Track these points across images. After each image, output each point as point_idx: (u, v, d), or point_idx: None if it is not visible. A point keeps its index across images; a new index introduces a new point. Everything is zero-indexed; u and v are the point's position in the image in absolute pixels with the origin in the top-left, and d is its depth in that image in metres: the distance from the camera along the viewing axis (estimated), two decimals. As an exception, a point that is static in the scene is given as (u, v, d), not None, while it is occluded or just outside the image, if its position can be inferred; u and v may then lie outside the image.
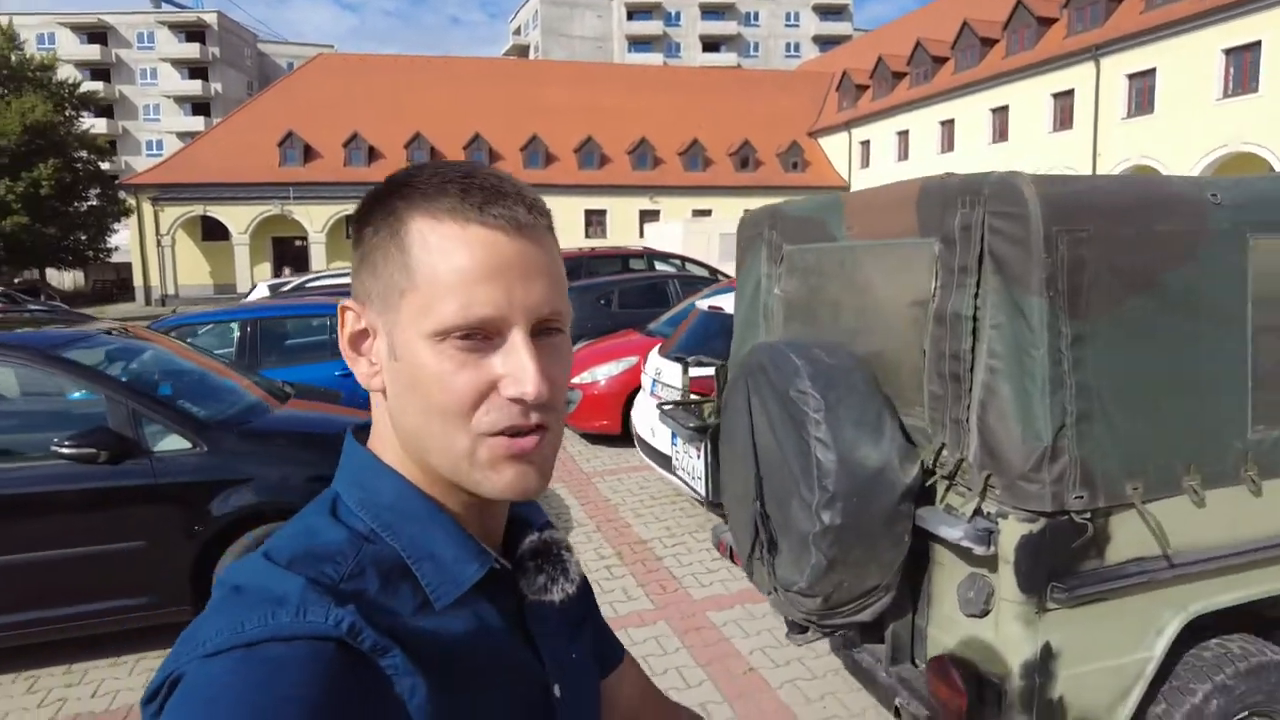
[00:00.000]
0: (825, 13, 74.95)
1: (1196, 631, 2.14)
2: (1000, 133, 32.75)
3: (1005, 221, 1.85)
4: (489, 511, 0.70)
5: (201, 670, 0.53)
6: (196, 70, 67.83)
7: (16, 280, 33.90)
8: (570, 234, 40.41)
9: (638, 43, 73.21)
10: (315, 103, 40.75)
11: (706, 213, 39.27)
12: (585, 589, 0.84)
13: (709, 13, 73.67)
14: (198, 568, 4.13)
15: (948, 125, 35.52)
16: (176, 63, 67.34)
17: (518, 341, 0.62)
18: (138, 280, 36.66)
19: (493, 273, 0.61)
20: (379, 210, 0.65)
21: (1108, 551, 1.90)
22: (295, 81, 42.96)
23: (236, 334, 6.91)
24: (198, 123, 63.60)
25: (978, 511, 1.92)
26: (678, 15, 73.50)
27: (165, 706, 0.53)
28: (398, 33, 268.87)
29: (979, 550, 1.87)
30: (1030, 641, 1.86)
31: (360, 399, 6.24)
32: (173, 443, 4.17)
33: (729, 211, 39.97)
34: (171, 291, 36.00)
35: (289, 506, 4.30)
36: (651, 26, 72.91)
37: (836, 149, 43.87)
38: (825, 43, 69.14)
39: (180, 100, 67.69)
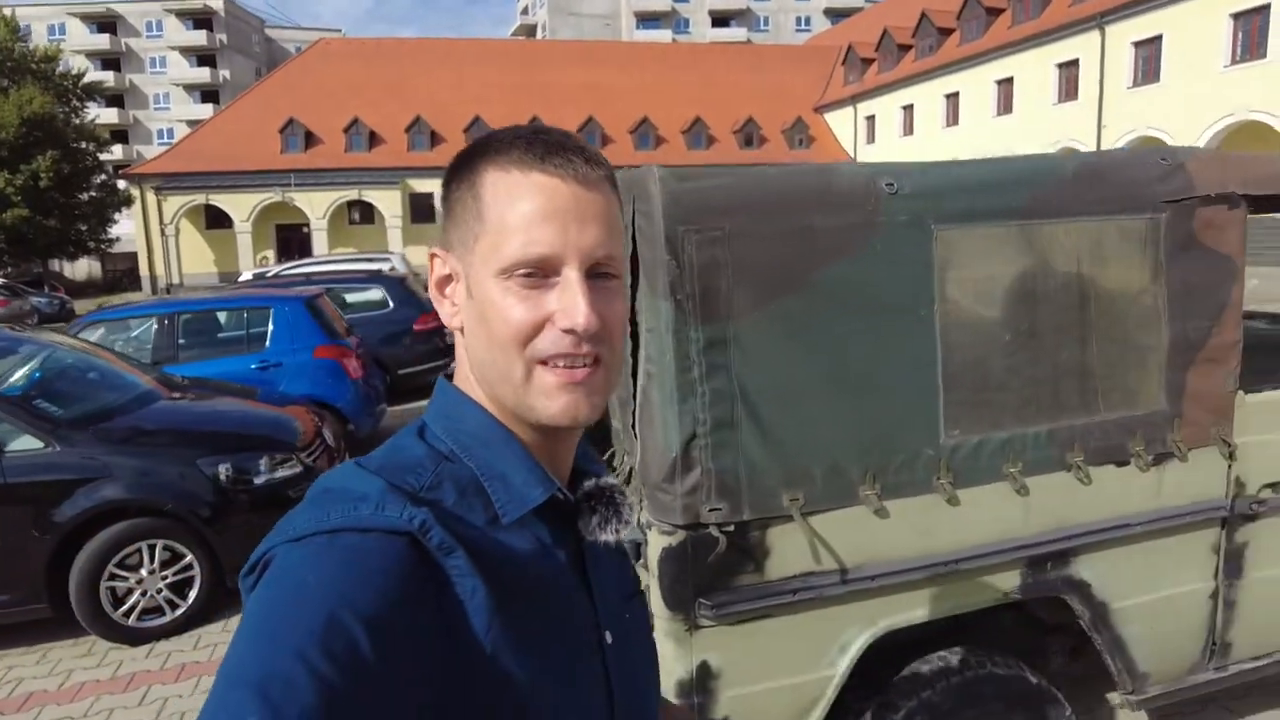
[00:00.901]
0: (836, -15, 73.66)
1: (912, 646, 2.04)
2: (1004, 105, 32.07)
3: (643, 220, 1.72)
4: (556, 450, 0.76)
5: (289, 552, 0.62)
6: (205, 58, 68.05)
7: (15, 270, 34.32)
8: (573, 216, 40.16)
9: (646, 19, 72.36)
10: (316, 89, 40.73)
11: (710, 192, 38.98)
12: (636, 575, 0.91)
13: (718, -13, 72.66)
14: (53, 565, 4.13)
15: (952, 99, 34.83)
16: (185, 50, 67.58)
17: (571, 278, 0.68)
18: (143, 269, 37.01)
19: (550, 215, 0.68)
20: (462, 167, 0.73)
21: (768, 566, 1.78)
22: (296, 68, 42.94)
23: (155, 328, 6.89)
24: (206, 110, 63.77)
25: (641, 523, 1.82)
26: (686, -10, 72.57)
27: (259, 582, 0.61)
28: (415, 14, 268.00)
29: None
30: (683, 661, 1.76)
31: (275, 394, 6.21)
32: (25, 443, 4.15)
33: (732, 190, 39.63)
34: (176, 280, 36.32)
35: (154, 502, 4.29)
36: (660, 3, 72.00)
37: (842, 124, 43.20)
38: (837, 16, 67.79)
39: (189, 88, 68.01)
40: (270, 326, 6.94)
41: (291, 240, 38.59)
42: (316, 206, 37.03)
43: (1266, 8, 22.41)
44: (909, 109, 37.67)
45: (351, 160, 38.71)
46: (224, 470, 4.37)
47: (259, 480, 4.49)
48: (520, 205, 0.68)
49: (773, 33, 71.54)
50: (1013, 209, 1.92)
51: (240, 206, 36.34)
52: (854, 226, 1.78)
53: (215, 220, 37.77)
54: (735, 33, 70.76)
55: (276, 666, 0.53)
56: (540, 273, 0.68)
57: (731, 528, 1.73)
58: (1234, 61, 23.38)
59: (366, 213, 38.87)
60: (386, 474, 0.68)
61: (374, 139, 39.71)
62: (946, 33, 35.99)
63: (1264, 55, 22.50)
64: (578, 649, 0.74)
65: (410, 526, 0.63)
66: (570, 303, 0.68)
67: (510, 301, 0.68)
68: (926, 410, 1.86)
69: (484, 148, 0.72)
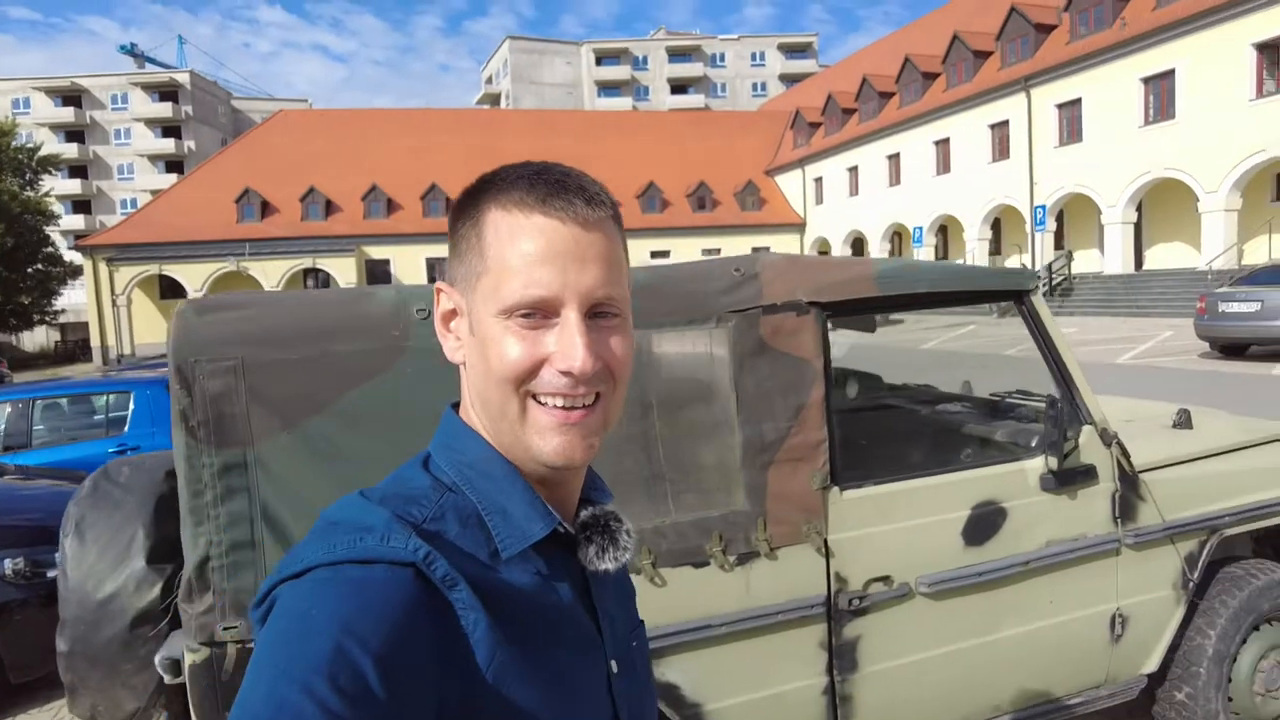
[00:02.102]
0: (790, 51, 76.23)
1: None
2: (944, 165, 33.04)
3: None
4: (559, 485, 0.76)
5: (295, 586, 0.62)
6: (170, 129, 68.67)
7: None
8: (530, 279, 40.48)
9: (607, 88, 74.27)
10: (274, 159, 41.16)
11: (665, 254, 39.54)
12: (633, 596, 0.93)
13: (675, 56, 74.87)
14: None
15: (894, 159, 35.86)
16: (150, 122, 68.24)
17: (570, 320, 0.69)
18: (95, 340, 36.68)
19: (550, 257, 0.68)
20: (467, 204, 0.74)
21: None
22: (255, 139, 43.46)
23: (9, 413, 6.83)
24: (170, 180, 64.19)
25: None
26: (645, 59, 74.70)
27: (267, 616, 0.63)
28: (388, 82, 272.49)
29: (168, 678, 1.80)
30: None
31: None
32: None
33: (686, 252, 40.25)
34: (128, 351, 35.97)
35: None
36: (619, 71, 74.05)
37: (792, 186, 44.27)
38: (791, 81, 70.01)
39: (154, 159, 68.46)
40: (130, 409, 6.90)
41: (246, 309, 38.46)
42: (271, 275, 37.03)
43: (1172, 72, 23.48)
44: (854, 170, 38.71)
45: (308, 229, 38.94)
46: (10, 565, 4.31)
47: (53, 574, 4.43)
48: (520, 246, 0.69)
49: (730, 99, 73.63)
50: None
51: (194, 276, 36.28)
52: (382, 351, 1.86)
53: (170, 290, 37.63)
54: (693, 99, 72.74)
55: (284, 699, 0.54)
56: (539, 314, 0.69)
57: (246, 644, 1.76)
58: (1148, 122, 24.37)
59: (323, 282, 38.93)
60: (391, 505, 0.69)
61: (330, 207, 40.05)
62: (887, 96, 37.26)
63: (1173, 116, 23.49)
64: (584, 679, 0.75)
65: (415, 558, 0.64)
66: (568, 345, 0.68)
67: (509, 341, 0.69)
68: None
69: (488, 186, 0.73)
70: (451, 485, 0.73)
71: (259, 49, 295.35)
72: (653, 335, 2.10)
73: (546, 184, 0.70)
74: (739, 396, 2.14)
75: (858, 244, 39.66)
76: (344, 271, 37.61)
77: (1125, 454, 2.61)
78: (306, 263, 37.55)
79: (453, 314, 0.76)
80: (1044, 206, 24.51)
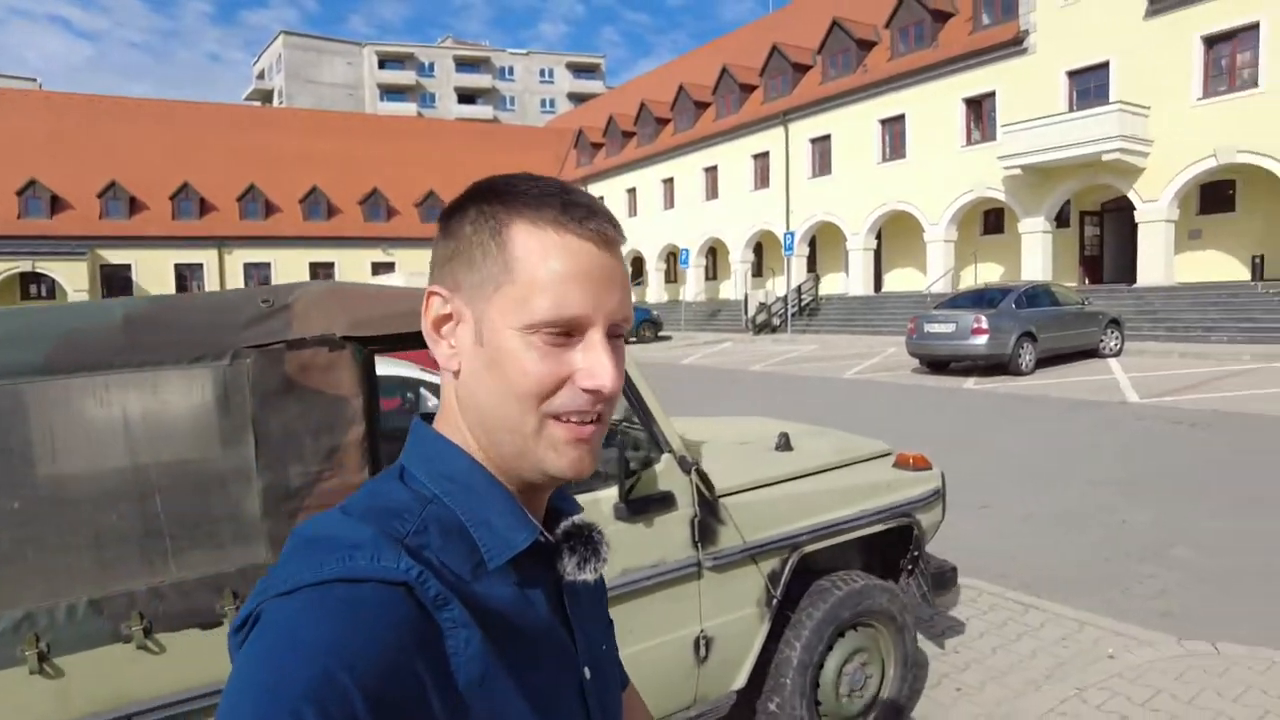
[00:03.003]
0: (579, 71, 77.56)
1: None
2: (712, 191, 34.90)
3: None
4: (534, 496, 0.76)
5: (281, 606, 0.60)
6: None
7: None
8: (298, 289, 37.99)
9: (391, 92, 71.68)
10: (-16, 145, 35.77)
11: (446, 266, 38.57)
12: (605, 595, 0.93)
13: (464, 65, 73.77)
14: None
15: (669, 184, 37.39)
16: None
17: (597, 340, 0.69)
18: None
19: (584, 277, 0.69)
20: (479, 210, 0.71)
21: None
22: (-42, 121, 37.47)
23: None
24: None
25: None
26: (431, 66, 72.94)
27: (249, 637, 0.60)
28: (147, 70, 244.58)
29: None
30: None
31: None
32: None
33: (469, 264, 39.52)
34: None
35: None
36: (404, 76, 71.76)
37: (576, 202, 44.77)
38: (580, 99, 71.25)
39: None
40: None
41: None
42: (-25, 279, 32.06)
43: (902, 117, 26.35)
44: (633, 192, 39.93)
45: (26, 227, 34.12)
46: None
47: None
48: (554, 264, 0.68)
49: (519, 113, 73.60)
50: (26, 366, 1.75)
51: None
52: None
53: None
54: (482, 110, 71.99)
55: None
56: (566, 331, 0.68)
57: None
58: (884, 159, 27.16)
59: (49, 289, 34.21)
60: (374, 520, 0.66)
61: (57, 204, 35.37)
62: (663, 122, 38.82)
63: (905, 156, 26.35)
64: (561, 688, 0.74)
65: (408, 577, 0.62)
66: (598, 365, 0.69)
67: (533, 356, 0.68)
68: None
69: (509, 197, 0.71)
70: (431, 497, 0.71)
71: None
72: (151, 375, 1.88)
73: (579, 205, 0.70)
74: (259, 440, 1.97)
75: (637, 263, 40.89)
76: (72, 277, 33.27)
77: (705, 480, 2.72)
78: (24, 266, 32.86)
79: (446, 319, 0.73)
80: (793, 233, 26.59)
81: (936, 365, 14.44)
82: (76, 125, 38.80)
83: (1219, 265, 20.61)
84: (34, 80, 67.67)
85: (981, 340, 12.93)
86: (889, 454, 3.51)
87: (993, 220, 25.91)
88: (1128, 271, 21.44)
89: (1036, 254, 22.31)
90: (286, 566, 0.64)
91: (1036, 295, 14.14)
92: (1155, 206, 19.79)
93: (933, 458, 3.62)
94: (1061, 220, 23.61)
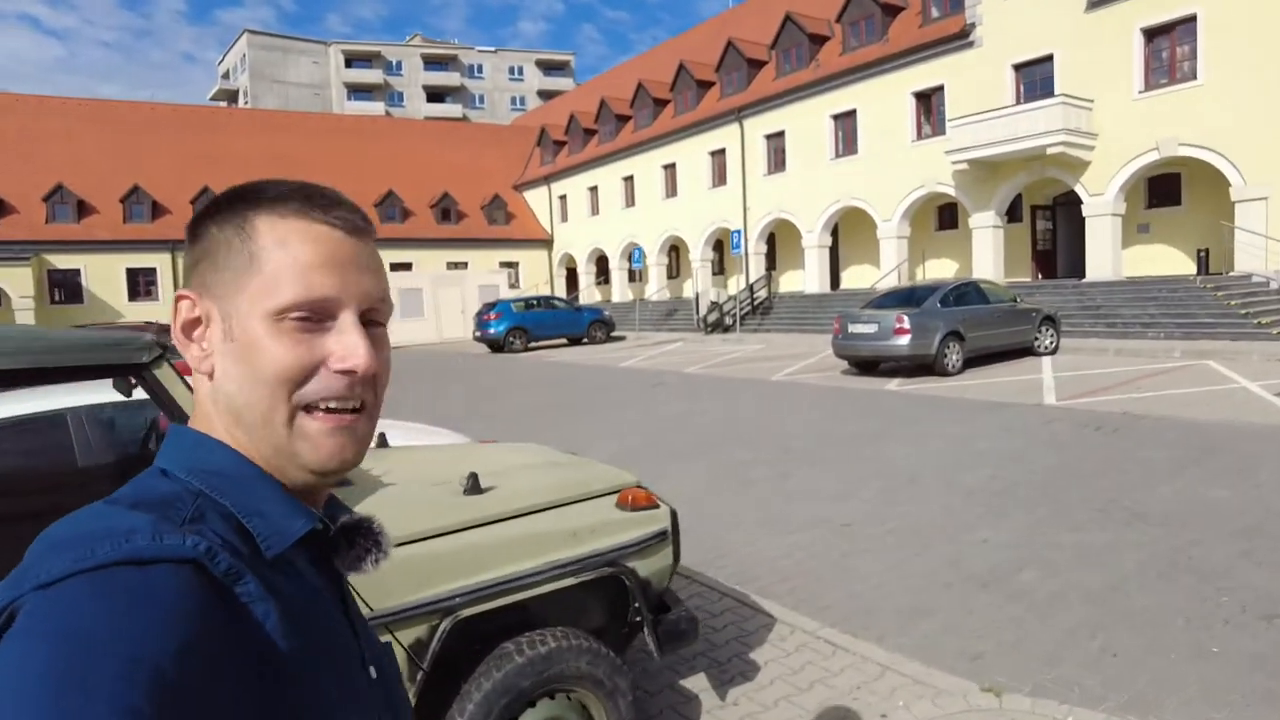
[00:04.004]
0: (548, 68, 76.98)
1: None
2: (671, 189, 34.50)
3: None
4: (308, 497, 0.73)
5: (52, 599, 0.52)
6: None
7: None
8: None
9: (358, 91, 70.83)
10: (-77, 148, 34.84)
11: (406, 266, 38.00)
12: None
13: (431, 63, 73.01)
14: None
15: (629, 181, 36.96)
16: None
17: (349, 322, 0.69)
18: None
19: (331, 262, 0.68)
20: (223, 212, 0.71)
21: None
22: (-102, 123, 36.48)
23: None
24: None
25: None
26: (399, 65, 72.13)
27: (8, 638, 0.51)
28: (119, 70, 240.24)
29: None
30: None
31: None
32: None
33: (431, 264, 38.99)
34: None
35: None
36: (372, 75, 70.92)
37: (540, 203, 44.40)
38: (549, 97, 70.59)
39: None
40: None
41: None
42: (-87, 286, 31.16)
43: (854, 112, 26.04)
44: (594, 190, 39.46)
45: (-33, 232, 33.24)
46: None
47: None
48: (300, 250, 0.68)
49: (489, 111, 72.92)
50: None
51: None
52: None
53: None
54: (450, 108, 71.27)
55: None
56: (315, 316, 0.68)
57: None
58: (837, 155, 26.83)
59: (-9, 293, 33.35)
60: (147, 509, 0.62)
61: (2, 207, 34.49)
62: (624, 119, 38.37)
63: (857, 151, 26.03)
64: (351, 682, 0.71)
65: (196, 553, 0.58)
66: (350, 344, 0.68)
67: (283, 342, 0.67)
68: None
69: (253, 196, 0.71)
70: (198, 491, 0.66)
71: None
72: None
73: (321, 195, 0.71)
74: None
75: (602, 261, 40.46)
76: (17, 284, 32.42)
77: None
78: (-29, 272, 31.98)
79: (196, 323, 0.71)
80: (739, 231, 26.17)
81: (866, 366, 14.08)
82: (21, 127, 37.87)
83: (1167, 259, 20.43)
84: (-8, 82, 66.33)
85: (904, 340, 12.57)
86: (619, 490, 3.10)
87: (947, 216, 25.66)
88: (1080, 266, 21.21)
89: (987, 249, 22.05)
90: (46, 560, 0.55)
91: (965, 293, 13.78)
92: (1101, 200, 19.56)
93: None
94: (1014, 215, 23.37)
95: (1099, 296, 18.27)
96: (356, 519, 0.78)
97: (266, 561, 0.64)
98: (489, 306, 25.65)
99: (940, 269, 25.50)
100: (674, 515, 3.08)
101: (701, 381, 14.90)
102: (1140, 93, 18.86)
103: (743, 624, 4.26)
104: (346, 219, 0.70)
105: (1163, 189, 20.58)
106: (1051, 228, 24.05)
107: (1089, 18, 19.60)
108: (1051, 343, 14.89)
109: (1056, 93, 19.82)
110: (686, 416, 10.97)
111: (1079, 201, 20.43)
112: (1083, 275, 20.43)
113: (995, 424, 9.16)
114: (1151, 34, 18.74)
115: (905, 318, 12.59)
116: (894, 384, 12.69)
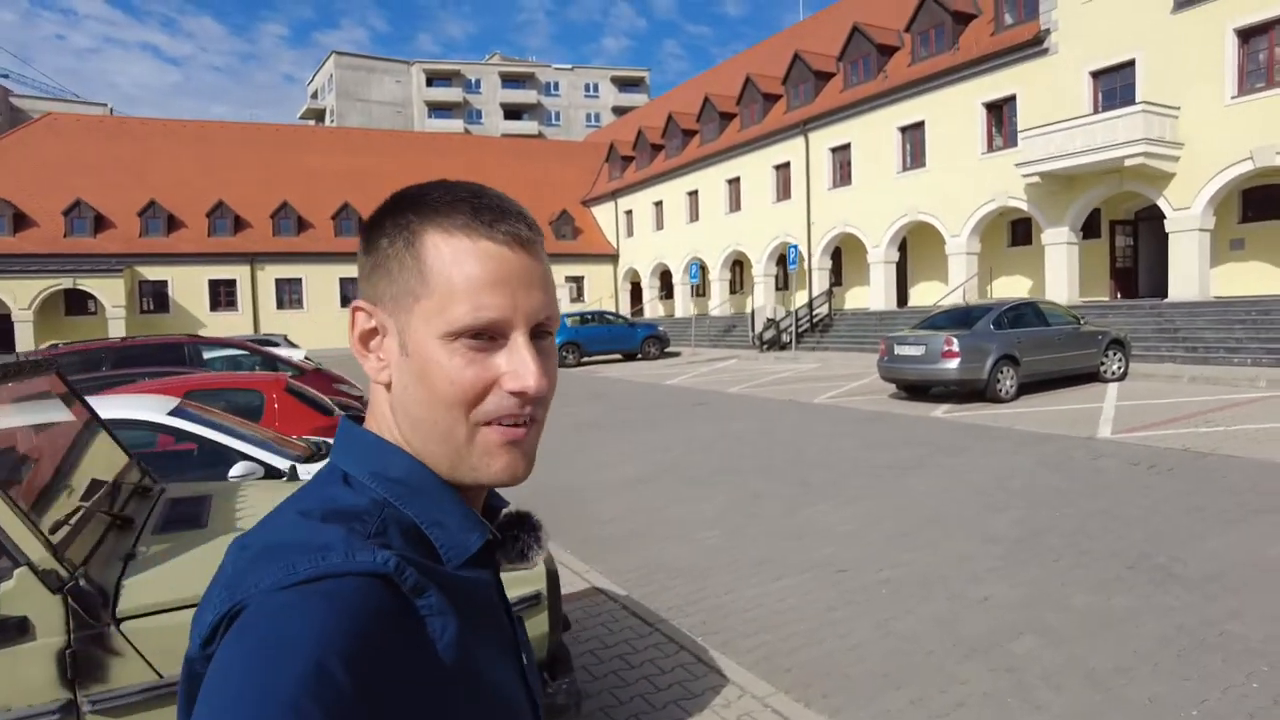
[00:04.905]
0: (624, 85, 77.45)
1: None
2: (735, 203, 34.00)
3: None
4: (473, 498, 0.75)
5: (263, 604, 0.58)
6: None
7: None
8: (328, 303, 38.51)
9: (438, 109, 72.69)
10: (35, 166, 37.19)
11: (473, 280, 38.51)
12: None
13: (509, 81, 74.38)
14: None
15: (693, 196, 36.62)
16: (-93, 121, 60.42)
17: (520, 342, 0.69)
18: None
19: (499, 281, 0.68)
20: (392, 223, 0.71)
21: None
22: (12, 144, 39.05)
23: None
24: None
25: None
26: (478, 83, 73.73)
27: (225, 639, 0.58)
28: (227, 92, 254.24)
29: None
30: None
31: None
32: None
33: (496, 279, 39.38)
34: None
35: None
36: (452, 93, 72.70)
37: (606, 218, 44.50)
38: (624, 113, 70.97)
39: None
40: None
41: (-6, 332, 34.24)
42: (20, 296, 33.13)
43: (922, 124, 25.09)
44: (659, 205, 39.27)
45: (73, 245, 35.26)
46: None
47: None
48: (468, 270, 0.68)
49: (564, 127, 73.80)
50: None
51: (-77, 296, 31.92)
52: None
53: (-107, 310, 32.95)
54: (527, 125, 72.42)
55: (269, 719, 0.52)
56: (488, 335, 0.68)
57: None
58: (905, 168, 25.89)
59: (77, 303, 35.22)
60: (338, 522, 0.65)
61: (101, 223, 36.51)
62: (690, 134, 38.10)
63: (925, 164, 25.06)
64: (512, 674, 0.75)
65: (386, 569, 0.62)
66: (521, 366, 0.68)
67: (457, 363, 0.68)
68: None
69: (420, 205, 0.71)
70: (384, 501, 0.69)
71: (76, 43, 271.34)
72: None
73: (490, 209, 0.70)
74: None
75: (665, 275, 40.20)
76: (111, 294, 34.19)
77: (87, 599, 2.04)
78: (66, 283, 33.90)
79: (373, 333, 0.73)
80: (796, 246, 25.34)
81: (915, 390, 13.33)
82: (130, 149, 40.09)
83: (1264, 278, 18.86)
84: (104, 105, 70.84)
85: (953, 364, 11.80)
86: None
87: (1020, 231, 24.43)
88: (1163, 285, 19.81)
89: (1061, 267, 20.83)
90: (252, 573, 0.61)
91: (1022, 314, 12.87)
92: (1187, 214, 18.21)
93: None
94: (1093, 230, 22.05)
95: (1178, 318, 16.95)
96: (516, 513, 0.80)
97: (445, 570, 0.67)
98: (545, 321, 25.62)
99: (1012, 286, 24.27)
100: (552, 577, 2.73)
101: (742, 402, 14.40)
102: (1233, 98, 17.50)
103: (690, 684, 3.85)
104: (512, 232, 0.70)
105: (1261, 201, 19.05)
106: (1132, 244, 22.59)
107: (1175, 19, 18.34)
108: (1119, 368, 13.81)
109: (1138, 100, 18.59)
110: (717, 440, 10.53)
111: (1163, 216, 19.09)
112: (1165, 295, 19.05)
113: (1038, 458, 8.43)
114: (1246, 34, 17.39)
115: (954, 340, 11.83)
116: (941, 410, 11.93)
